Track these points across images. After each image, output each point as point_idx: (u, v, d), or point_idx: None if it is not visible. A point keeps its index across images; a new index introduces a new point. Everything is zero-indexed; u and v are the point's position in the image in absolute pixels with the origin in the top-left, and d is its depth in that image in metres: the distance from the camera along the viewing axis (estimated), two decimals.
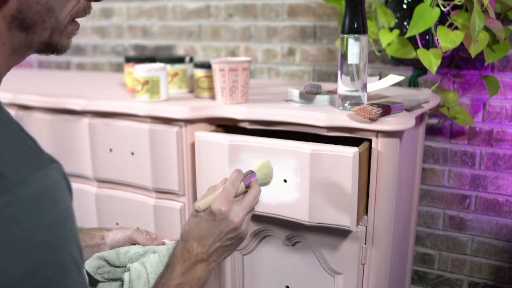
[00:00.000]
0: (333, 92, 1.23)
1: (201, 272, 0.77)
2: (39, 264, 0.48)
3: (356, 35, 1.07)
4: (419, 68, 1.45)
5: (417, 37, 1.27)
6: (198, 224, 0.78)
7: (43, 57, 2.29)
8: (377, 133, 1.05)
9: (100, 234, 0.89)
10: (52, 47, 0.61)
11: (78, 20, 0.62)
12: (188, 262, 0.76)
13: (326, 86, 1.31)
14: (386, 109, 1.04)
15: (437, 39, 1.23)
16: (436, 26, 1.23)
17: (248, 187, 0.82)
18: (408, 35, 1.21)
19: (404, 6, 1.33)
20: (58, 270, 0.50)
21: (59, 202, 0.51)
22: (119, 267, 0.85)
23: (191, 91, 1.41)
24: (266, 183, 0.88)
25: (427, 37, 1.29)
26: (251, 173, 0.84)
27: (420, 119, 1.33)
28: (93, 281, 0.85)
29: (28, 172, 0.48)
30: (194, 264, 0.76)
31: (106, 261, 0.85)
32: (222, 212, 0.76)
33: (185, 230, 0.79)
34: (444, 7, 1.21)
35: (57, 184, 0.51)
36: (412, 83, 1.47)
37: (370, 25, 1.31)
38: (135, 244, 0.87)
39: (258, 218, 1.19)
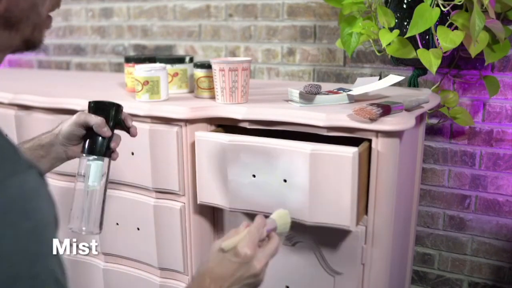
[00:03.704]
0: (333, 92, 1.23)
1: None
2: (9, 279, 0.44)
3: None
4: (419, 68, 1.45)
5: (417, 37, 1.27)
6: (221, 263, 0.76)
7: (43, 57, 2.29)
8: (377, 133, 1.05)
9: (53, 132, 0.92)
10: (31, 43, 0.59)
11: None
12: None
13: (326, 86, 1.31)
14: (386, 109, 1.04)
15: (437, 39, 1.23)
16: (436, 26, 1.23)
17: (267, 235, 0.82)
18: (408, 35, 1.21)
19: (404, 6, 1.33)
20: (31, 285, 0.45)
21: (35, 211, 0.46)
22: None
23: (191, 91, 1.41)
24: (284, 233, 0.87)
25: (427, 37, 1.28)
26: (272, 221, 0.84)
27: (420, 119, 1.33)
28: None
29: (3, 176, 0.45)
30: None
31: None
32: (247, 256, 0.75)
33: (206, 266, 0.77)
34: (444, 7, 1.21)
35: (34, 192, 0.47)
36: (412, 83, 1.47)
37: (370, 25, 1.31)
38: (88, 127, 0.88)
39: None
